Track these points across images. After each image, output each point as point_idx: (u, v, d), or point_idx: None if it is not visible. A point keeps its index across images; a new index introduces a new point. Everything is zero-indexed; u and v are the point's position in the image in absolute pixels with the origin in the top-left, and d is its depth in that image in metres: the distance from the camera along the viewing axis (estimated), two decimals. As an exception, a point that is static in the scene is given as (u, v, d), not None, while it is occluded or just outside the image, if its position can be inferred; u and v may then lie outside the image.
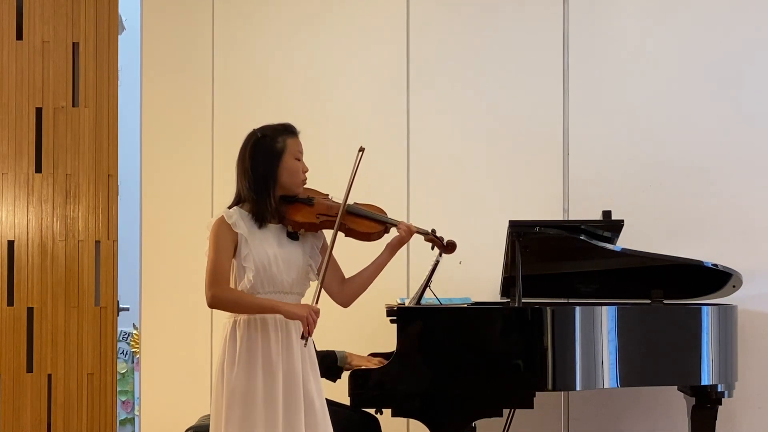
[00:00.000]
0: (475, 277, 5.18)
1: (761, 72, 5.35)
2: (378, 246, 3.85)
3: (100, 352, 5.61)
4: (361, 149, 3.72)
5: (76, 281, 5.61)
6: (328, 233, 3.74)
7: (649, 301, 4.80)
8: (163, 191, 5.53)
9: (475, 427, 4.38)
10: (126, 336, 6.99)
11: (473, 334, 4.35)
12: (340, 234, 3.69)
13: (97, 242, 5.64)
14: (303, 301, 3.70)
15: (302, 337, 3.53)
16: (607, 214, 4.92)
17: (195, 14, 5.58)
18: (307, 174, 3.72)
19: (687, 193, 5.34)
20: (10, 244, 5.61)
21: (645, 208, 5.31)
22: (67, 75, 5.68)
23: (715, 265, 4.70)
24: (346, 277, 3.80)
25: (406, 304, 4.55)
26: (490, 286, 5.12)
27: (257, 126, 3.74)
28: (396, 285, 5.15)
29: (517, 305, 4.39)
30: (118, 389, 6.09)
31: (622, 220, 4.84)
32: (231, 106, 5.54)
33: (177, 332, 5.48)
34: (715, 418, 4.68)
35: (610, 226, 4.82)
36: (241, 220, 3.59)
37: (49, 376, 5.59)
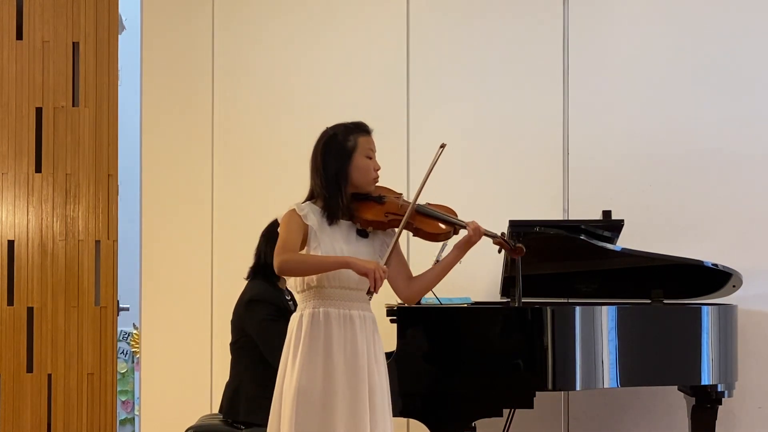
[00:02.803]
0: (475, 277, 5.18)
1: (762, 72, 5.35)
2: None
3: (100, 352, 5.61)
4: (443, 146, 3.70)
5: (76, 281, 5.61)
6: None
7: (649, 301, 4.80)
8: (163, 191, 5.54)
9: (475, 427, 4.37)
10: (126, 336, 6.99)
11: (473, 334, 4.35)
12: (411, 233, 3.69)
13: (97, 242, 5.64)
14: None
15: (368, 292, 3.51)
16: (607, 214, 4.93)
17: (195, 14, 5.58)
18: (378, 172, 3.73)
19: (687, 193, 5.34)
20: (10, 244, 5.62)
21: (645, 208, 5.31)
22: (67, 75, 5.68)
23: (715, 265, 4.70)
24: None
25: (406, 304, 4.55)
26: (490, 286, 5.12)
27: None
28: (396, 285, 5.14)
29: (517, 305, 4.39)
30: (118, 389, 6.09)
31: (622, 220, 4.84)
32: (231, 106, 5.54)
33: (177, 332, 5.48)
34: (715, 418, 4.68)
35: (610, 226, 4.82)
36: (312, 214, 3.61)
37: (49, 376, 5.59)
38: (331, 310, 3.59)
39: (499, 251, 3.90)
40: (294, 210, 3.62)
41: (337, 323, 3.58)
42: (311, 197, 3.69)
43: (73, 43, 5.69)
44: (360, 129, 3.72)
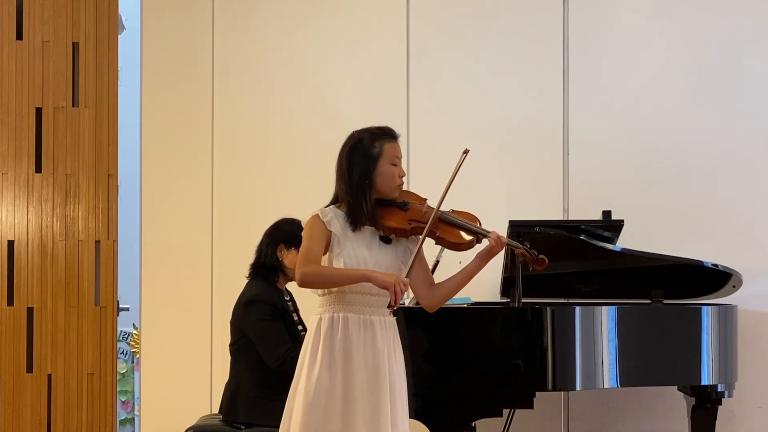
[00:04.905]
0: (475, 277, 5.17)
1: (762, 72, 5.35)
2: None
3: (100, 352, 5.61)
4: (466, 151, 3.67)
5: (76, 281, 5.61)
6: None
7: (649, 301, 4.80)
8: (163, 191, 5.54)
9: (475, 427, 4.38)
10: (126, 336, 6.99)
11: (473, 334, 4.35)
12: (433, 242, 3.66)
13: (97, 242, 5.64)
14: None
15: (388, 306, 3.49)
16: (607, 214, 4.93)
17: (195, 14, 5.58)
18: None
19: (687, 193, 5.34)
20: (10, 244, 5.61)
21: (645, 208, 5.32)
22: (67, 75, 5.67)
23: (715, 265, 4.70)
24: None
25: (406, 304, 4.55)
26: (490, 286, 5.12)
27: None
28: (396, 285, 5.14)
29: (517, 305, 4.39)
30: (118, 389, 6.09)
31: (622, 220, 4.84)
32: (231, 106, 5.55)
33: (177, 332, 5.48)
34: (715, 418, 4.68)
35: (610, 226, 4.83)
36: (335, 219, 3.57)
37: (49, 376, 5.59)
38: (350, 315, 3.55)
39: (521, 262, 3.86)
40: (317, 216, 3.58)
41: (356, 327, 3.54)
42: (335, 201, 3.65)
43: (73, 43, 5.69)
44: (386, 135, 3.69)
